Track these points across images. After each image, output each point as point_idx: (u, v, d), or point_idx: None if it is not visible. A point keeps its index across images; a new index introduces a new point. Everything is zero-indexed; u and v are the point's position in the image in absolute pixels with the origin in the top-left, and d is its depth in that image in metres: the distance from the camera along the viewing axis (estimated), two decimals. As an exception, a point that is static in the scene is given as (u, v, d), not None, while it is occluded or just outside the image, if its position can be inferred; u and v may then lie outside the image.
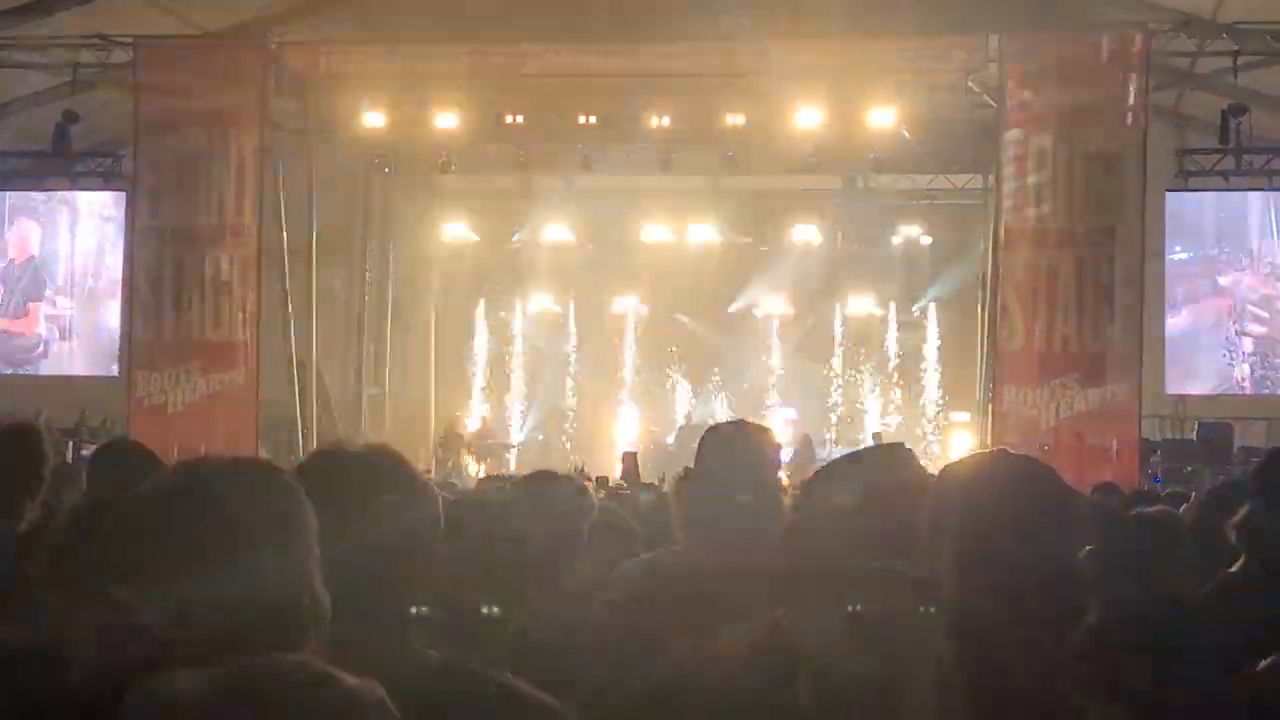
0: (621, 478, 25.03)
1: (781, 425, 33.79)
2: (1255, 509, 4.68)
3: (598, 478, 18.10)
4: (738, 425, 5.11)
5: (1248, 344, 25.71)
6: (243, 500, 2.70)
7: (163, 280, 26.02)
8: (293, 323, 27.66)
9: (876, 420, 34.13)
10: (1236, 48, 24.81)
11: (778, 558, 3.80)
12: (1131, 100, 24.19)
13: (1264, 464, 4.82)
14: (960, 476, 3.56)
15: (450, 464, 30.48)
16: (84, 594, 3.55)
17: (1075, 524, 3.56)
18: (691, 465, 4.98)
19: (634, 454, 28.51)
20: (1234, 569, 4.69)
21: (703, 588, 4.17)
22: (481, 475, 28.87)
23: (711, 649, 3.64)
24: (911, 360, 34.67)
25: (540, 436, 35.17)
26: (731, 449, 4.77)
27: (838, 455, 31.12)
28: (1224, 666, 4.02)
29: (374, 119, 27.56)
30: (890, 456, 4.32)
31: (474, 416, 33.89)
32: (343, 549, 2.87)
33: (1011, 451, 3.64)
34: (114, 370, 28.02)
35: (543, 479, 5.83)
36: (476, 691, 3.11)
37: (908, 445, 4.09)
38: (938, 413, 34.01)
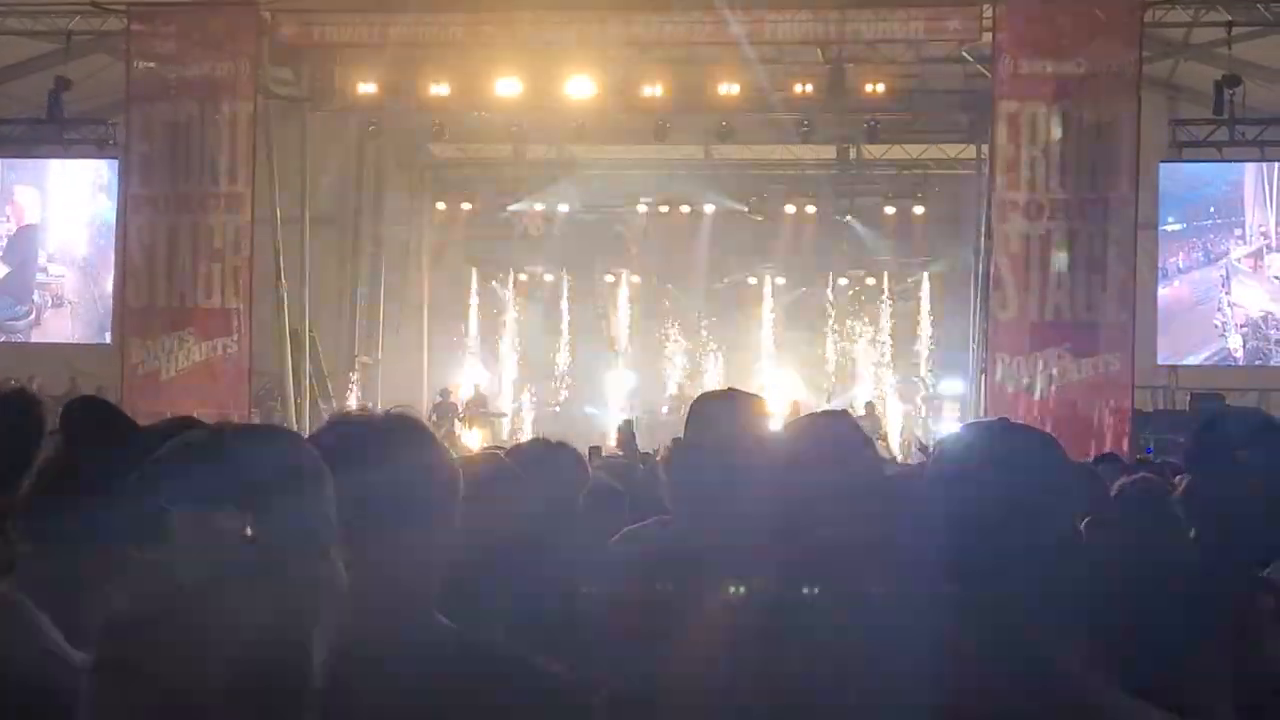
0: (617, 447, 25.06)
1: (774, 394, 33.88)
2: (1194, 481, 4.70)
3: (591, 447, 18.09)
4: (726, 394, 5.10)
5: (1240, 315, 25.74)
6: (266, 464, 2.70)
7: (156, 248, 26.03)
8: (286, 291, 27.65)
9: (870, 390, 34.12)
10: (1230, 18, 24.80)
11: (770, 528, 3.81)
12: (1125, 71, 24.19)
13: (1197, 434, 4.83)
14: (963, 446, 3.56)
15: (443, 432, 30.48)
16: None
17: (1074, 495, 3.58)
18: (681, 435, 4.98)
19: (630, 422, 28.53)
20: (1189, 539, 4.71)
21: (695, 559, 4.17)
22: (474, 445, 28.93)
23: (706, 625, 3.67)
24: (905, 330, 34.67)
25: (533, 405, 35.16)
26: (720, 418, 4.75)
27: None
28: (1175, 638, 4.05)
29: (367, 87, 27.52)
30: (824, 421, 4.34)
31: (467, 385, 33.89)
32: (362, 516, 2.87)
33: (1013, 421, 3.63)
34: (106, 338, 28.00)
35: (539, 448, 5.84)
36: (495, 666, 3.11)
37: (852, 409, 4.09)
38: (931, 382, 34.03)
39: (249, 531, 2.57)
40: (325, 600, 2.61)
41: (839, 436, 4.09)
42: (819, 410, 5.20)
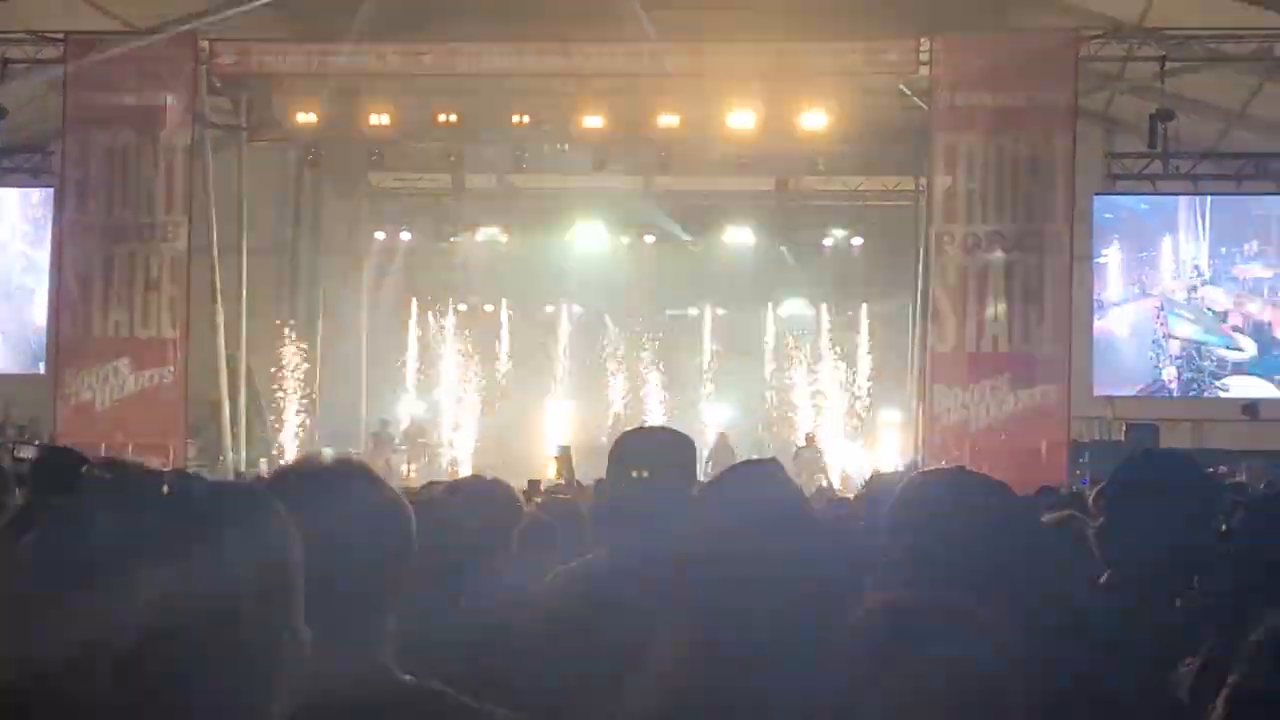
0: (556, 476, 25.08)
1: (711, 424, 33.92)
2: (1109, 520, 4.73)
3: (530, 481, 18.06)
4: (651, 429, 5.10)
5: (1174, 346, 25.96)
6: (234, 532, 2.67)
7: (91, 277, 25.87)
8: (222, 321, 27.46)
9: (809, 419, 34.17)
10: (1164, 54, 25.03)
11: (697, 564, 3.81)
12: (1061, 105, 24.40)
13: (1113, 475, 4.87)
14: (926, 493, 3.59)
15: (380, 463, 30.37)
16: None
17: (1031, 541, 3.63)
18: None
19: (568, 448, 28.55)
20: (1102, 579, 4.74)
21: (623, 597, 4.16)
22: (412, 475, 28.83)
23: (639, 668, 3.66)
24: (843, 360, 34.75)
25: (474, 436, 35.04)
26: (645, 454, 4.73)
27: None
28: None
29: (305, 117, 27.42)
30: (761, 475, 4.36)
31: (406, 415, 33.79)
32: (312, 566, 2.85)
33: (969, 470, 3.68)
34: (40, 368, 27.77)
35: (472, 484, 5.81)
36: (445, 715, 3.10)
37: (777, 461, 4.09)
38: (869, 412, 34.10)
39: (166, 490, 2.53)
40: (287, 663, 2.60)
41: (768, 486, 4.10)
42: (750, 459, 5.20)
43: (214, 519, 2.64)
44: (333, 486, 3.19)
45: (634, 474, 4.63)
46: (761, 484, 4.11)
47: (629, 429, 5.05)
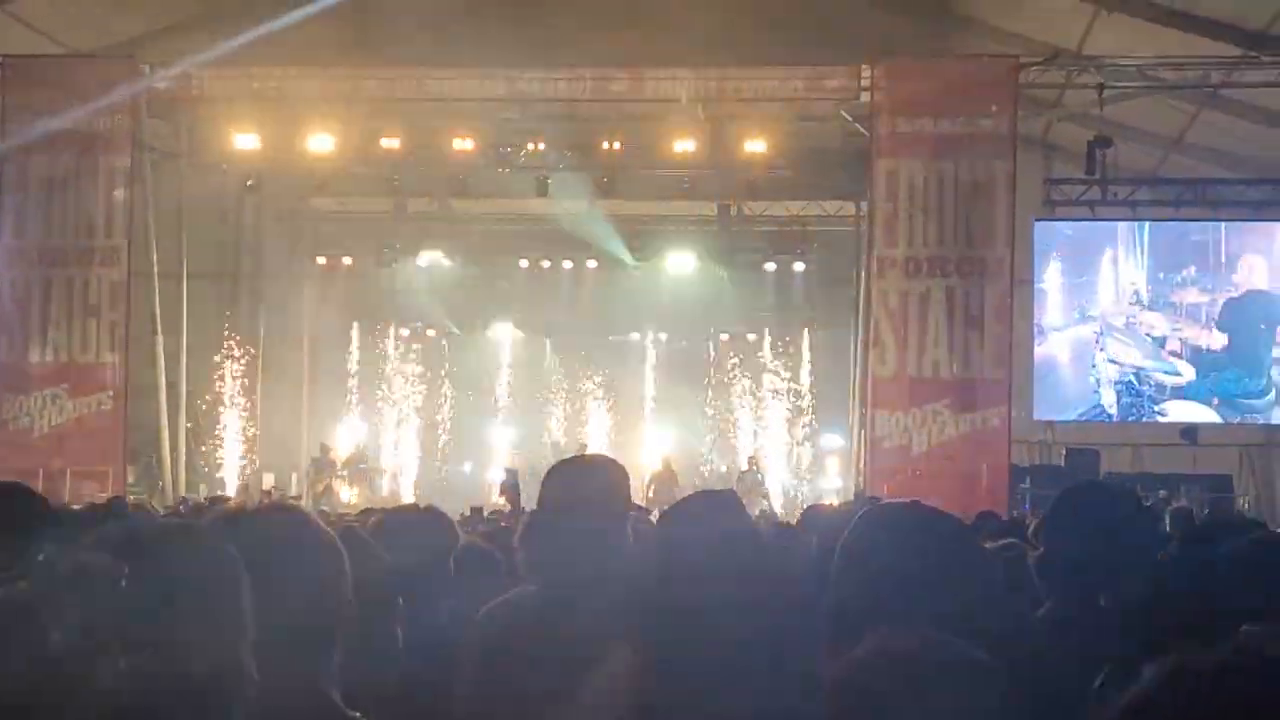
0: (502, 500, 25.05)
1: (654, 448, 33.94)
2: (1047, 552, 4.76)
3: (473, 508, 18.00)
4: (581, 459, 5.07)
5: (1114, 371, 26.11)
6: (185, 569, 2.67)
7: (29, 302, 25.69)
8: (162, 346, 27.29)
9: (750, 443, 34.21)
10: (1102, 81, 25.23)
11: (631, 593, 3.80)
12: (1001, 131, 24.55)
13: (1053, 505, 4.90)
14: (881, 530, 3.60)
15: (321, 488, 30.27)
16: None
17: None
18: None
19: (514, 472, 28.51)
20: (1041, 612, 4.76)
21: (555, 630, 4.14)
22: (354, 500, 28.73)
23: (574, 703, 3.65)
24: (785, 385, 34.82)
25: (415, 460, 34.96)
26: (576, 483, 4.70)
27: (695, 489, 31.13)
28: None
29: (247, 141, 27.33)
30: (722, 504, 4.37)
31: (347, 440, 33.65)
32: (257, 605, 2.85)
33: (924, 505, 3.70)
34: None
35: (403, 514, 5.79)
36: None
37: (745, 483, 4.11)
38: (811, 437, 34.18)
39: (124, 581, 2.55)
40: (236, 698, 2.60)
41: (719, 515, 4.12)
42: (706, 490, 5.19)
43: (162, 558, 2.65)
44: (273, 529, 3.19)
45: (566, 505, 4.61)
46: (717, 514, 4.12)
47: (561, 459, 5.01)
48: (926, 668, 3.06)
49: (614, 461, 4.97)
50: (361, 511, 12.07)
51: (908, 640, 3.20)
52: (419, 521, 5.68)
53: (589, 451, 32.88)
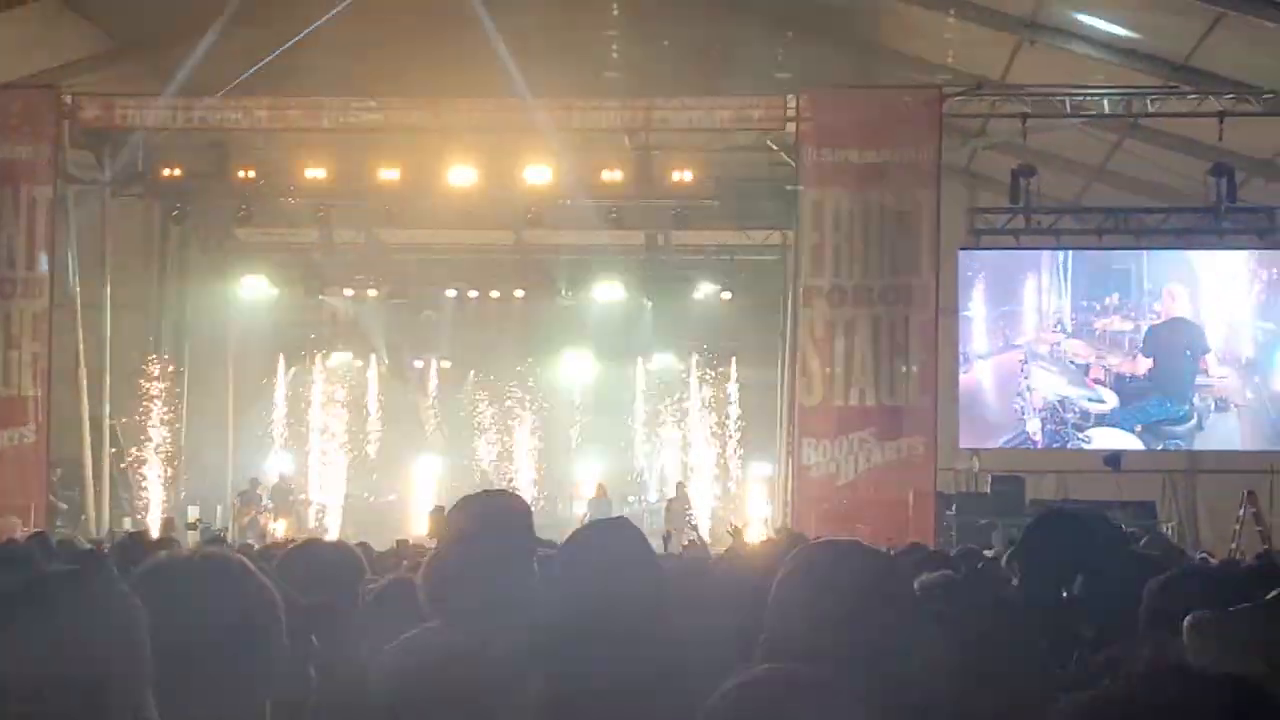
0: (430, 535, 24.91)
1: (583, 477, 33.94)
2: (1027, 580, 4.78)
3: (399, 540, 17.89)
4: (482, 495, 5.04)
5: (1038, 398, 26.27)
6: (86, 616, 2.65)
7: (-50, 335, 25.45)
8: (86, 378, 27.05)
9: (677, 471, 34.22)
10: (1026, 110, 25.45)
11: (537, 632, 3.81)
12: (925, 160, 24.71)
13: (1021, 541, 4.94)
14: (821, 563, 3.62)
15: (247, 520, 30.09)
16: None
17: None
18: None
19: (442, 508, 28.36)
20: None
21: (461, 667, 4.12)
22: (279, 533, 28.55)
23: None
24: (713, 413, 34.85)
25: (343, 493, 34.77)
26: (476, 521, 4.69)
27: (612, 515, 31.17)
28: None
29: (171, 171, 27.21)
30: (617, 534, 4.38)
31: (273, 472, 33.45)
32: (177, 654, 2.84)
33: (863, 544, 3.73)
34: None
35: (307, 549, 5.75)
36: None
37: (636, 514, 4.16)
38: (739, 465, 34.21)
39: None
40: None
41: (617, 549, 4.12)
42: (599, 520, 5.18)
43: (61, 602, 2.63)
44: (193, 579, 3.18)
45: (466, 542, 4.59)
46: (613, 545, 4.12)
47: (462, 496, 4.98)
48: (779, 695, 3.10)
49: (516, 495, 4.98)
50: (261, 549, 12.00)
51: (772, 671, 3.24)
52: (323, 556, 5.65)
53: (516, 482, 32.96)
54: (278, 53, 23.65)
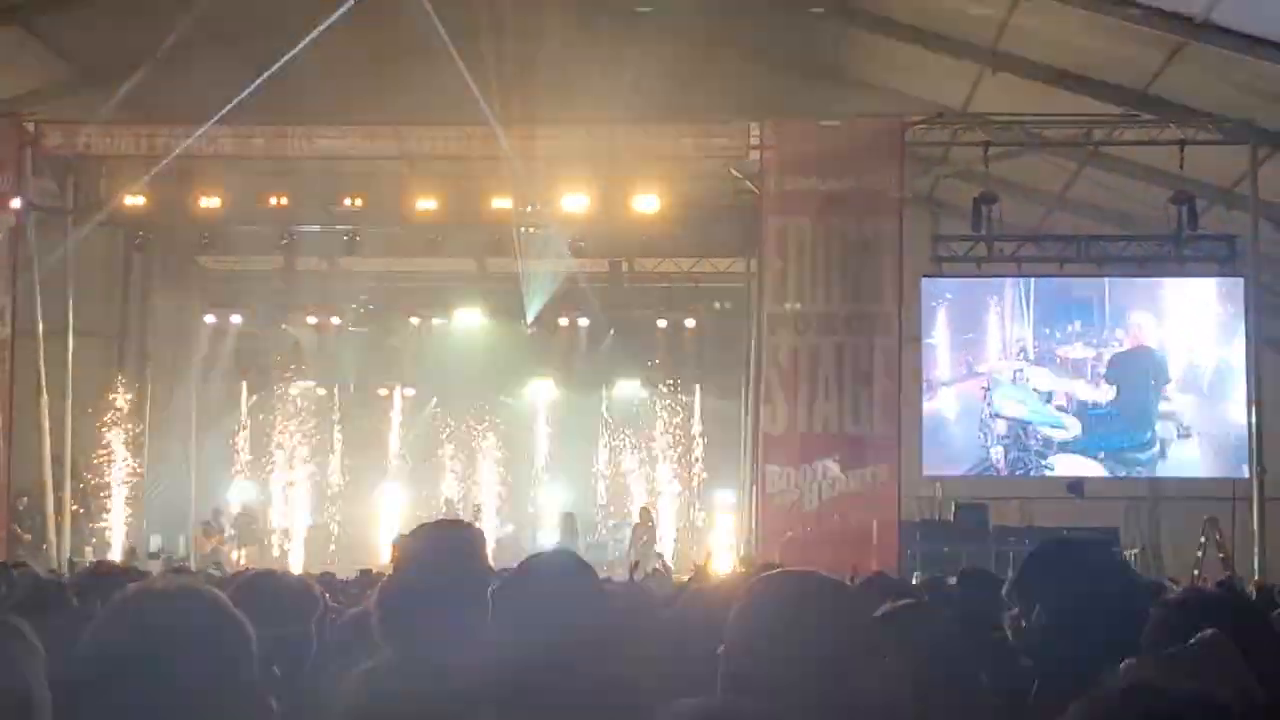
0: (391, 564, 24.77)
1: (545, 508, 33.90)
2: (1027, 611, 4.77)
3: (361, 570, 17.85)
4: (435, 525, 5.04)
5: (1001, 426, 26.32)
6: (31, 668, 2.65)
7: (-90, 363, 25.33)
8: (47, 407, 26.92)
9: (644, 498, 34.15)
10: (987, 138, 25.57)
11: (488, 662, 3.81)
12: (888, 188, 24.82)
13: (1021, 571, 4.91)
14: (779, 594, 3.62)
15: (209, 550, 29.96)
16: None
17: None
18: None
19: (403, 537, 28.26)
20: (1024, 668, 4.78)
21: (415, 698, 4.12)
22: (242, 563, 28.43)
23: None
24: (678, 440, 34.84)
25: (307, 522, 34.64)
26: (430, 552, 4.67)
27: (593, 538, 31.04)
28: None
29: (134, 199, 27.11)
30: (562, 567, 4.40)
31: (236, 501, 33.31)
32: (146, 682, 2.83)
33: (821, 574, 3.73)
34: None
35: (256, 581, 5.73)
36: None
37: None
38: (704, 492, 34.19)
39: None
40: None
41: (564, 578, 4.13)
42: (538, 553, 5.18)
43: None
44: (166, 614, 3.16)
45: (420, 574, 4.58)
46: (556, 577, 4.13)
47: (415, 528, 4.98)
48: None
49: (469, 525, 4.98)
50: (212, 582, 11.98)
51: (708, 703, 3.25)
52: (278, 586, 5.63)
53: (481, 510, 32.90)
54: (257, 82, 23.63)
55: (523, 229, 28.49)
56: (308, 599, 5.75)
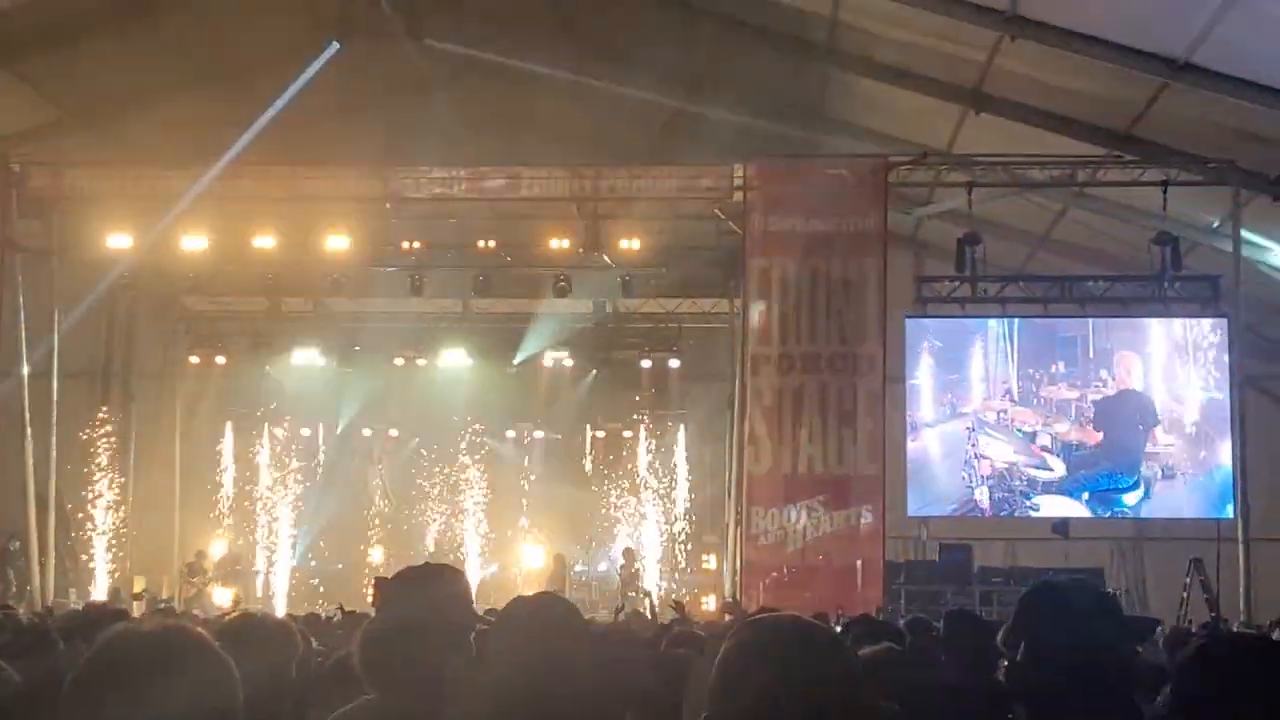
0: (373, 605, 24.70)
1: (532, 545, 33.82)
2: (1019, 659, 4.76)
3: (345, 612, 17.80)
4: (421, 569, 5.03)
5: (985, 466, 26.33)
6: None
7: (-107, 404, 25.28)
8: (31, 448, 26.85)
9: (630, 539, 34.10)
10: (971, 179, 25.65)
11: (470, 706, 3.80)
12: (872, 228, 24.87)
13: (1015, 617, 4.90)
14: (762, 639, 3.62)
15: (193, 593, 29.85)
16: None
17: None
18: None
19: (385, 580, 28.16)
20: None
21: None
22: (225, 604, 28.31)
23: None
24: (662, 480, 34.82)
25: (291, 563, 34.55)
26: (415, 594, 4.67)
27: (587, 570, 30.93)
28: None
29: (120, 240, 27.08)
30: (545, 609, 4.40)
31: (221, 541, 33.21)
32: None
33: (803, 618, 3.73)
34: None
35: (241, 624, 5.72)
36: None
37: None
38: (688, 533, 34.16)
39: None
40: None
41: (551, 622, 4.14)
42: (533, 594, 5.17)
43: None
44: (154, 654, 3.16)
45: (403, 616, 4.58)
46: (541, 620, 4.13)
47: (399, 570, 4.98)
48: None
49: (454, 569, 4.96)
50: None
51: None
52: (258, 631, 5.62)
53: (464, 550, 32.85)
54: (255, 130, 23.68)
55: (506, 269, 28.56)
56: (288, 643, 5.74)
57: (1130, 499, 26.14)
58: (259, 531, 34.66)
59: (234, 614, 5.97)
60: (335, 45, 24.71)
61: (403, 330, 33.87)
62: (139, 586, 29.14)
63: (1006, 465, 26.30)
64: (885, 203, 25.13)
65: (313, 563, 34.57)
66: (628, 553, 31.84)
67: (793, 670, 3.44)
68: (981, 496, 26.29)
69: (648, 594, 28.77)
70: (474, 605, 4.75)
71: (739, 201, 25.57)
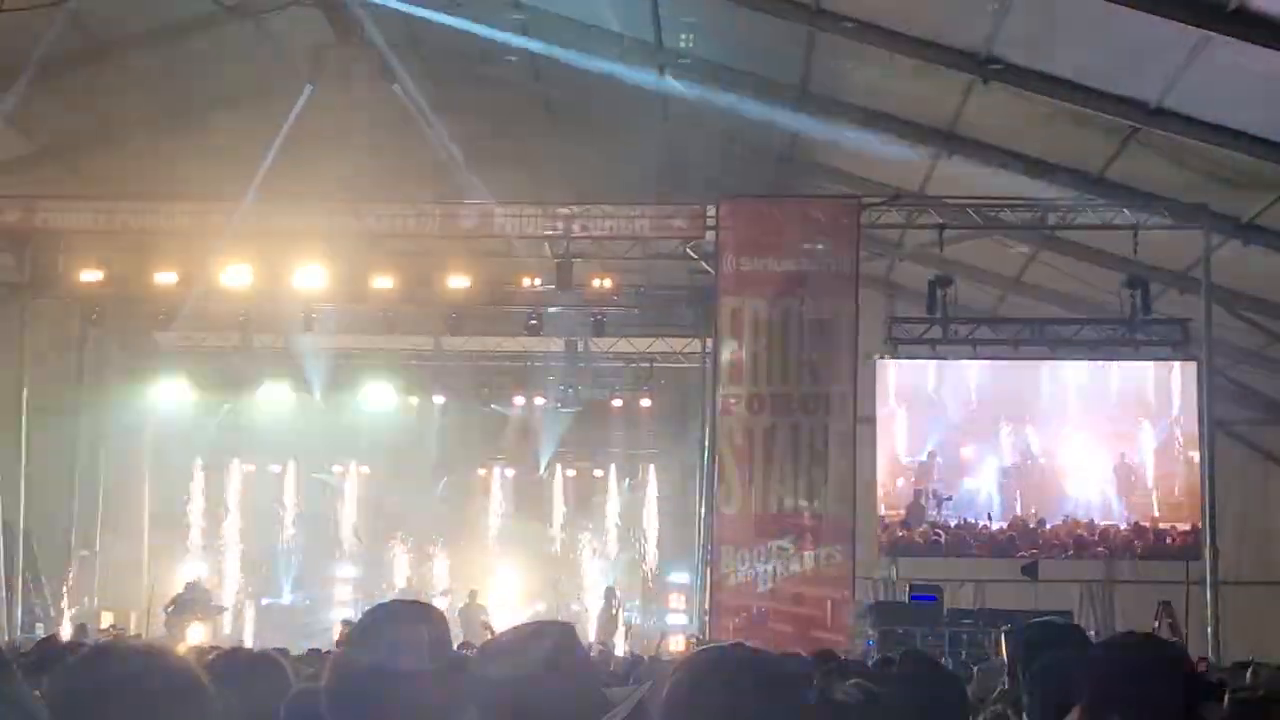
0: (338, 644, 24.59)
1: (503, 585, 33.76)
2: (1016, 690, 4.78)
3: (310, 649, 17.72)
4: (392, 606, 4.98)
5: (954, 507, 26.36)
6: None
7: None
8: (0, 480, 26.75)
9: (598, 578, 34.07)
10: (942, 221, 25.74)
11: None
12: (844, 270, 24.92)
13: (1009, 656, 4.92)
14: (705, 668, 3.62)
15: (163, 627, 29.69)
16: None
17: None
18: None
19: (350, 622, 28.06)
20: None
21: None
22: (193, 640, 28.17)
23: None
24: (632, 520, 34.81)
25: (260, 600, 34.41)
26: (386, 631, 4.62)
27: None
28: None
29: (91, 274, 27.02)
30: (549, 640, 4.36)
31: (188, 578, 33.02)
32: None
33: (747, 645, 3.73)
34: None
35: (233, 660, 5.70)
36: None
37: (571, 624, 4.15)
38: (658, 571, 34.14)
39: None
40: None
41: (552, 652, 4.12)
42: (531, 622, 5.15)
43: None
44: (132, 675, 3.14)
45: (374, 656, 4.53)
46: (542, 651, 4.11)
47: (370, 607, 4.93)
48: None
49: (428, 606, 4.91)
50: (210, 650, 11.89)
51: None
52: (246, 669, 5.60)
53: (441, 588, 32.77)
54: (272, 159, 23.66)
55: (479, 307, 28.56)
56: (280, 676, 5.71)
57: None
58: (228, 568, 34.51)
59: (219, 650, 5.94)
60: (310, 88, 24.73)
61: (374, 367, 33.81)
62: (106, 622, 28.99)
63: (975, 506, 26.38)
64: (858, 244, 25.20)
65: (281, 599, 34.42)
66: (608, 592, 31.84)
67: (741, 698, 3.44)
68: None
69: (629, 624, 28.86)
70: (450, 642, 4.70)
71: (711, 241, 25.61)
